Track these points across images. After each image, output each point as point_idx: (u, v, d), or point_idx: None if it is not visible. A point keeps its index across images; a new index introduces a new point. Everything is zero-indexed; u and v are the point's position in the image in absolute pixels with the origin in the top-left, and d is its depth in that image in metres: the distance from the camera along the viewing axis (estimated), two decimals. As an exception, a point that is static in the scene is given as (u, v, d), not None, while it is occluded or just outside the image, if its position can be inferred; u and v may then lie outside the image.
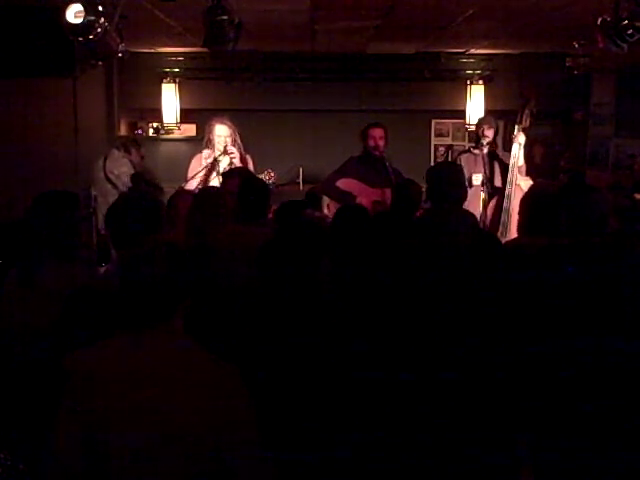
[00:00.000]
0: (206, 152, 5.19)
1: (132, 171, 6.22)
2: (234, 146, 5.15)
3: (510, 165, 5.07)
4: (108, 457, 1.81)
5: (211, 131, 5.20)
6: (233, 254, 3.29)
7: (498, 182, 5.19)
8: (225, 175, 4.72)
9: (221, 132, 5.16)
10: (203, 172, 5.09)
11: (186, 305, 1.95)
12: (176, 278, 1.91)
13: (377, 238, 3.11)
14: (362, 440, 2.06)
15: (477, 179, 5.15)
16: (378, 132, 5.21)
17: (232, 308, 2.58)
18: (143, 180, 4.82)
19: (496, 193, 5.11)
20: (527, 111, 5.19)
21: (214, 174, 5.14)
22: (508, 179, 5.04)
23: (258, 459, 1.84)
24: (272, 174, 4.87)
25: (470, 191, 5.08)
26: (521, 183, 5.03)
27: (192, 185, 5.04)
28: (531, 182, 5.07)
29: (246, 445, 1.83)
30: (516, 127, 5.19)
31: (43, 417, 2.22)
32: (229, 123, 5.19)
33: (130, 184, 5.96)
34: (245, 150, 5.26)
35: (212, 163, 5.13)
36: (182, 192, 4.48)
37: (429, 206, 4.21)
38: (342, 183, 5.25)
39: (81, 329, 2.41)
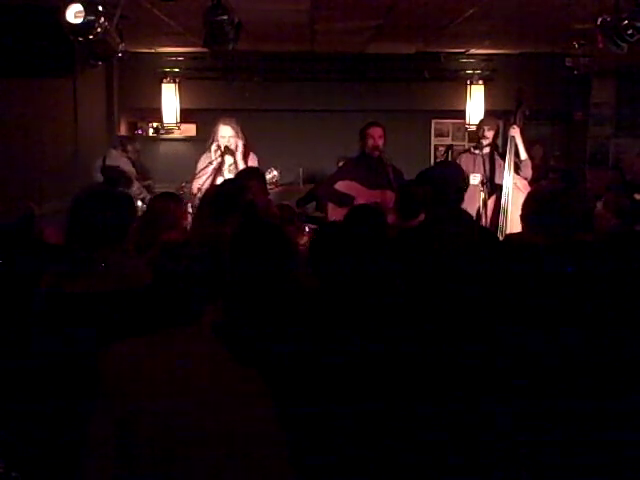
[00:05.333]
0: (214, 147, 5.21)
1: (132, 168, 6.22)
2: (237, 148, 5.16)
3: (506, 162, 5.06)
4: (136, 458, 1.79)
5: (216, 131, 5.22)
6: None
7: (499, 181, 5.20)
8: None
9: (225, 133, 5.17)
10: (210, 171, 5.11)
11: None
12: (213, 275, 1.88)
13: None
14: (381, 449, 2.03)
15: (474, 179, 5.13)
16: (377, 131, 5.17)
17: None
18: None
19: (495, 192, 5.12)
20: (519, 114, 5.22)
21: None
22: (504, 178, 5.04)
23: (281, 463, 1.81)
24: (275, 173, 4.88)
25: (468, 191, 5.07)
26: (517, 182, 5.04)
27: (198, 183, 5.06)
28: (526, 181, 5.09)
29: (270, 448, 1.80)
30: (510, 129, 5.23)
31: (38, 424, 2.20)
32: (234, 125, 5.20)
33: (131, 182, 5.97)
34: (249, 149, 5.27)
35: (219, 162, 5.15)
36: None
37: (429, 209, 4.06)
38: (340, 185, 5.24)
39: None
